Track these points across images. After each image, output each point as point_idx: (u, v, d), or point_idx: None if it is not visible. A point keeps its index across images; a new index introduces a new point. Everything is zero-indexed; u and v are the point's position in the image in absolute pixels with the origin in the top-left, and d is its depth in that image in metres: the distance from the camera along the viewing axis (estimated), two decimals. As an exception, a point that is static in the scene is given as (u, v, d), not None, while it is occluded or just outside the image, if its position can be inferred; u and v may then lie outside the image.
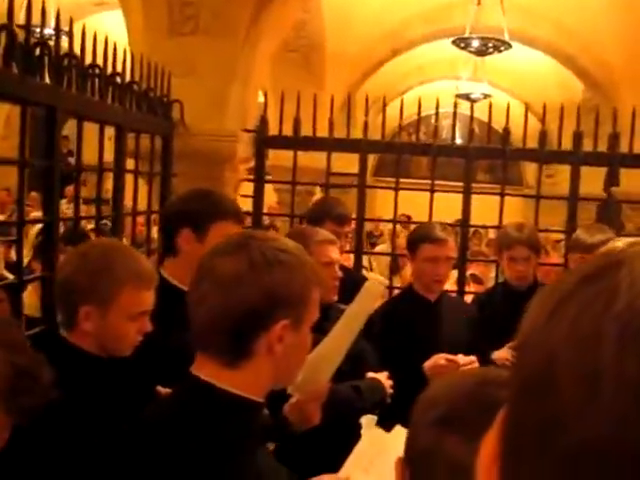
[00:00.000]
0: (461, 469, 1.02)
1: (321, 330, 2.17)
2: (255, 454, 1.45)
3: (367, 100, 4.50)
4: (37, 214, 5.93)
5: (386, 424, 2.52)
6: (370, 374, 3.02)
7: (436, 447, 1.04)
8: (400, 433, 2.44)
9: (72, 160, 8.30)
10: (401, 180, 4.62)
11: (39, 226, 5.25)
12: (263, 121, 4.55)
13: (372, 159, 11.74)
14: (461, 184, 4.56)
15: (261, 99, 4.80)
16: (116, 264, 2.02)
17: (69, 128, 3.28)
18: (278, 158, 5.50)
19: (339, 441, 2.45)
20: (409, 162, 13.13)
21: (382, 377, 3.01)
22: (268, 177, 5.16)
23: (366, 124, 4.50)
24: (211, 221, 2.50)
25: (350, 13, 8.90)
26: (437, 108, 4.43)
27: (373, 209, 10.33)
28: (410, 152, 5.13)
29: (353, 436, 2.43)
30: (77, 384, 1.95)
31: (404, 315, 3.52)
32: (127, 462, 1.46)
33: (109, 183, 3.43)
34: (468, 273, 5.39)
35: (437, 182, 4.57)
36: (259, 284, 1.37)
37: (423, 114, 4.61)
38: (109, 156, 3.20)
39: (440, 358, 3.22)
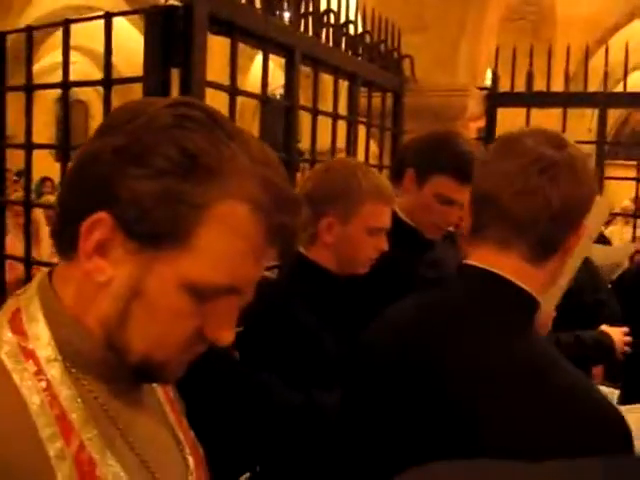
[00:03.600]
0: None
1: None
2: None
3: (607, 50, 4.20)
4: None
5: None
6: (603, 327, 2.82)
7: None
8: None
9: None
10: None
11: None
12: (494, 77, 4.39)
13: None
14: None
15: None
16: (358, 177, 2.03)
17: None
18: (505, 124, 5.26)
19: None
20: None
21: (616, 332, 2.80)
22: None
23: (606, 74, 4.20)
24: (432, 171, 2.40)
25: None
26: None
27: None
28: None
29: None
30: (313, 298, 1.98)
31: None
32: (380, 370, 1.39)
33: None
34: None
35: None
36: (586, 175, 1.29)
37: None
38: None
39: None
